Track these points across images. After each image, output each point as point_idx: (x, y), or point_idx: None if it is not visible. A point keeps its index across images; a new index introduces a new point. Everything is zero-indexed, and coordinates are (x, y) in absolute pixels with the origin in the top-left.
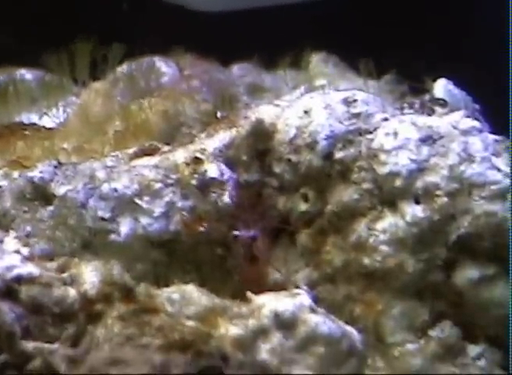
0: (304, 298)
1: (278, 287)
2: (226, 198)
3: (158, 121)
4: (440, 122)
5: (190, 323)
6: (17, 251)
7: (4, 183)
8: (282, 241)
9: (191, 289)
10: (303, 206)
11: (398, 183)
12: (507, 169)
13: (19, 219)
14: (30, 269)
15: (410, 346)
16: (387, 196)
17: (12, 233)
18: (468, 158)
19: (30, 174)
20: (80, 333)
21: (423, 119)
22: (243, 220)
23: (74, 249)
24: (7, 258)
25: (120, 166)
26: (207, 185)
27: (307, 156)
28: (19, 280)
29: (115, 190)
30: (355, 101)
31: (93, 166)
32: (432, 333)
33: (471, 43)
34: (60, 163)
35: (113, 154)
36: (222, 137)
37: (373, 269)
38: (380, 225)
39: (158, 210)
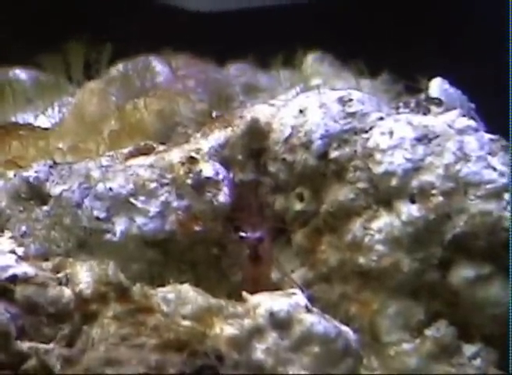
0: (299, 297)
1: (274, 287)
2: (221, 198)
3: (154, 121)
4: (436, 121)
5: (186, 322)
6: (12, 251)
7: None
8: (277, 240)
9: (186, 289)
10: (298, 206)
11: (393, 182)
12: (503, 169)
13: (15, 218)
14: (25, 269)
15: (405, 345)
16: (382, 195)
17: (8, 233)
18: (464, 157)
19: (26, 174)
20: (75, 333)
21: (418, 119)
22: (248, 221)
23: (69, 249)
24: (2, 258)
25: (115, 166)
26: (202, 185)
27: (302, 156)
28: (14, 280)
29: (111, 189)
30: (350, 100)
31: (88, 166)
32: (428, 332)
33: (466, 42)
34: (55, 163)
35: (108, 153)
36: (217, 137)
37: (368, 268)
38: (375, 224)
39: (153, 210)
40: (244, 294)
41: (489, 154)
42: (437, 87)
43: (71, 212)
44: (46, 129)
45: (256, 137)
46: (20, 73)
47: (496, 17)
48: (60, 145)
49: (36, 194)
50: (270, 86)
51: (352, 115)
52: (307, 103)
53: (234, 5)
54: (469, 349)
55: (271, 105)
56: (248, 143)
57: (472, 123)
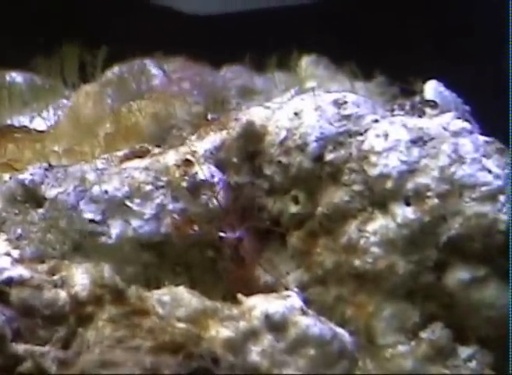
0: (294, 299)
1: (269, 289)
2: (217, 200)
3: (149, 123)
4: (430, 123)
5: (181, 325)
6: (8, 254)
7: None
8: (272, 243)
9: (182, 291)
10: (293, 208)
11: (389, 184)
12: (498, 171)
13: (10, 221)
14: (21, 271)
15: (401, 348)
16: (378, 198)
17: (3, 236)
18: (459, 159)
19: (21, 177)
20: (70, 336)
21: (413, 121)
22: (229, 222)
23: (65, 252)
24: None
25: (111, 169)
26: (197, 187)
27: (297, 158)
28: (10, 282)
29: (106, 192)
30: (345, 102)
31: (83, 169)
32: (423, 334)
33: (462, 45)
34: (51, 166)
35: (104, 156)
36: (212, 140)
37: (364, 270)
38: (371, 227)
39: (148, 212)
40: (239, 296)
41: (484, 156)
42: (432, 89)
43: (66, 214)
44: (41, 132)
45: (251, 139)
46: (16, 77)
47: (492, 20)
48: (55, 148)
49: (31, 196)
50: (265, 88)
51: (347, 117)
52: (303, 106)
53: (230, 7)
54: (464, 351)
55: (266, 108)
56: (243, 145)
57: (467, 125)
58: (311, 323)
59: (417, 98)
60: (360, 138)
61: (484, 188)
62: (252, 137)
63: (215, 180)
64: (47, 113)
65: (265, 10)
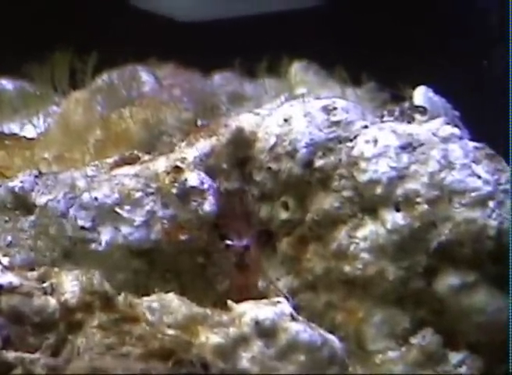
0: (284, 306)
1: (259, 296)
2: (207, 207)
3: (139, 130)
4: (420, 129)
5: (171, 331)
6: None
7: None
8: (263, 249)
9: (171, 298)
10: (283, 214)
11: (378, 190)
12: (487, 177)
13: (0, 228)
14: (11, 278)
15: (391, 353)
16: (367, 204)
17: None
18: (448, 165)
19: (11, 184)
20: (60, 343)
21: (403, 127)
22: (234, 229)
23: (55, 259)
24: None
25: (101, 176)
26: (187, 194)
27: (287, 164)
28: (0, 289)
29: (96, 199)
30: (335, 108)
31: (73, 176)
32: (414, 340)
33: (451, 50)
34: (41, 173)
35: (94, 163)
36: (202, 146)
37: (354, 276)
38: (361, 232)
39: (138, 219)
40: (229, 302)
41: (474, 162)
42: (421, 95)
43: (56, 221)
44: (32, 139)
45: (241, 146)
46: (6, 84)
47: (482, 25)
48: (45, 155)
49: (21, 204)
50: (256, 95)
51: (336, 123)
52: (292, 112)
53: (220, 14)
54: (455, 357)
55: (256, 114)
56: (233, 152)
57: (456, 131)
58: (300, 329)
59: (407, 104)
60: (349, 144)
61: (473, 194)
62: (242, 144)
63: (205, 186)
64: (37, 120)
65: (255, 16)
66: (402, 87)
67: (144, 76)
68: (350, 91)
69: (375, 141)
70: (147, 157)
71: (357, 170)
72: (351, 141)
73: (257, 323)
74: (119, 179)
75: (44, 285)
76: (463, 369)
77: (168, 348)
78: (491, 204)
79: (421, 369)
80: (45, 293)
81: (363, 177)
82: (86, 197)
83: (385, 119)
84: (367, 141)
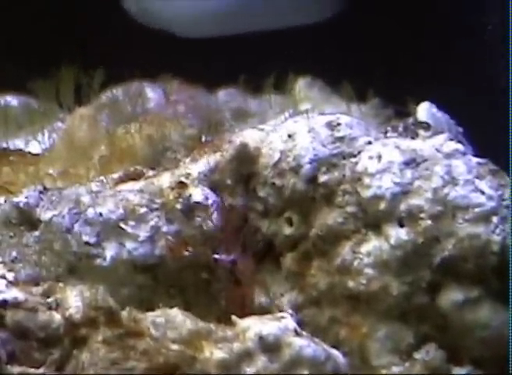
0: (288, 321)
1: (263, 311)
2: (211, 222)
3: (143, 146)
4: (424, 145)
5: (175, 346)
6: (3, 277)
7: None
8: (267, 264)
9: (176, 313)
10: (287, 230)
11: (382, 206)
12: (491, 192)
13: (5, 244)
14: (16, 294)
15: (395, 369)
16: (371, 219)
17: None
18: (452, 181)
19: (16, 200)
20: (65, 358)
21: (407, 143)
22: (224, 244)
23: (59, 274)
24: None
25: (105, 191)
26: (191, 209)
27: (291, 180)
28: (5, 305)
29: (101, 214)
30: (339, 124)
31: (78, 191)
32: (417, 355)
33: (454, 66)
34: (45, 188)
35: (98, 179)
36: (206, 162)
37: (358, 292)
38: (364, 248)
39: (143, 234)
40: (234, 317)
41: (477, 177)
42: (425, 111)
43: (61, 237)
44: (36, 155)
45: (245, 161)
46: (12, 100)
47: (484, 42)
48: (50, 171)
49: (26, 219)
50: (260, 111)
51: (340, 139)
52: (296, 128)
53: (225, 31)
54: (458, 372)
55: (260, 130)
56: (237, 168)
57: (460, 146)
58: (304, 344)
59: (411, 120)
60: (353, 160)
61: (477, 209)
62: (246, 160)
63: (209, 202)
64: (42, 136)
65: (260, 33)
66: (406, 103)
67: (149, 92)
68: (355, 107)
69: (379, 157)
70: (151, 173)
71: (360, 186)
72: (355, 156)
73: (261, 338)
74: (123, 194)
75: (49, 300)
76: None
77: (172, 362)
78: (494, 219)
79: None
80: (50, 308)
81: (367, 193)
82: (90, 212)
83: (389, 134)
84: (371, 157)
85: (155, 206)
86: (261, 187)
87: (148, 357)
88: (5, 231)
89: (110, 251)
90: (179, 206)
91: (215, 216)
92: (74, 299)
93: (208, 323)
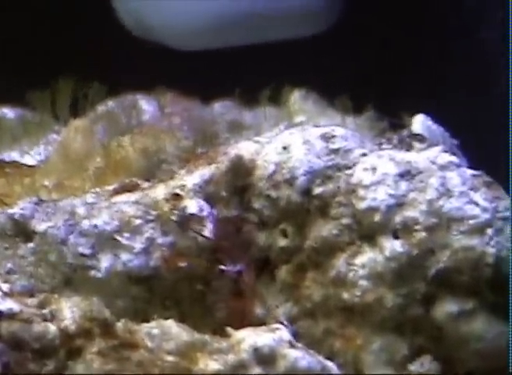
0: (283, 332)
1: (258, 323)
2: (206, 234)
3: (138, 158)
4: (418, 157)
5: (170, 358)
6: None
7: None
8: (262, 276)
9: (171, 324)
10: (282, 242)
11: (377, 218)
12: (485, 204)
13: (0, 255)
14: (11, 305)
15: None
16: (366, 231)
17: None
18: (446, 192)
19: (11, 211)
20: (60, 369)
21: (401, 155)
22: (229, 255)
23: (55, 285)
24: None
25: (100, 203)
26: (186, 221)
27: (286, 192)
28: (0, 316)
29: (96, 226)
30: (334, 136)
31: (73, 203)
32: (412, 367)
33: (449, 79)
34: (41, 200)
35: (93, 190)
36: (201, 174)
37: (352, 303)
38: (359, 260)
39: (138, 246)
40: (228, 329)
41: (472, 189)
42: (420, 123)
43: (56, 248)
44: (32, 166)
45: (240, 173)
46: (8, 112)
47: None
48: (46, 183)
49: (21, 231)
50: (255, 123)
51: (335, 151)
52: (291, 140)
53: (220, 43)
54: None
55: (255, 142)
56: (232, 179)
57: (454, 159)
58: (299, 356)
59: (405, 132)
60: (348, 172)
61: (471, 221)
62: (241, 171)
63: (204, 213)
64: (37, 148)
65: (255, 45)
66: (400, 116)
67: (144, 104)
68: (349, 120)
69: (374, 169)
70: (146, 184)
71: (355, 198)
72: (350, 168)
73: (255, 350)
74: (118, 206)
75: (44, 311)
76: None
77: (167, 374)
78: (489, 231)
79: None
80: (45, 319)
81: (361, 205)
82: (86, 224)
83: (383, 147)
84: (365, 169)
85: (150, 218)
86: (255, 199)
87: (143, 368)
88: (0, 243)
89: (105, 262)
90: (174, 218)
91: (210, 227)
92: (69, 310)
93: (203, 334)
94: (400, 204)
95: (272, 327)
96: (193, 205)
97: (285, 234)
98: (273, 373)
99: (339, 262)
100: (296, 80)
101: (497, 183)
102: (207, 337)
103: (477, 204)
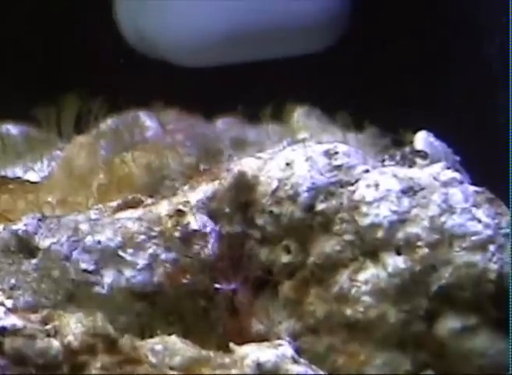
0: (286, 348)
1: (261, 338)
2: (209, 250)
3: (142, 174)
4: (421, 173)
5: (174, 373)
6: (1, 304)
7: None
8: (265, 292)
9: (174, 340)
10: (285, 258)
11: (379, 234)
12: (488, 220)
13: (4, 271)
14: (14, 321)
15: None
16: (369, 247)
17: None
18: (449, 209)
19: (15, 227)
20: None
21: (404, 171)
22: (224, 273)
23: (58, 301)
24: None
25: (104, 219)
26: (189, 237)
27: (289, 208)
28: (3, 332)
29: (99, 242)
30: (336, 153)
31: (77, 219)
32: None
33: (452, 95)
34: (44, 216)
35: (97, 207)
36: (204, 190)
37: (355, 320)
38: (362, 276)
39: (141, 262)
40: (232, 345)
41: (474, 206)
42: (422, 140)
43: (59, 264)
44: (35, 183)
45: (243, 190)
46: (12, 129)
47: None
48: (49, 199)
49: (25, 247)
50: (258, 140)
51: (338, 168)
52: (294, 156)
53: (223, 60)
54: None
55: (258, 158)
56: (235, 196)
57: (457, 175)
58: (302, 372)
59: (408, 149)
60: (351, 188)
61: (474, 238)
62: (244, 188)
63: (208, 230)
64: (41, 164)
65: (258, 62)
66: (403, 132)
67: (148, 121)
68: (352, 136)
69: (377, 185)
70: (149, 201)
71: (358, 214)
72: (353, 185)
73: (258, 365)
74: (122, 222)
75: (48, 327)
76: None
77: None
78: (491, 248)
79: None
80: (48, 335)
81: (364, 221)
82: (89, 240)
83: (386, 163)
84: (368, 185)
85: (153, 234)
86: (258, 215)
87: None
88: (4, 259)
89: (108, 278)
90: (177, 234)
91: (213, 243)
92: (72, 326)
93: (207, 350)
94: (402, 220)
95: (275, 343)
96: (196, 222)
97: (288, 250)
98: None
99: (342, 278)
100: (298, 96)
101: (499, 200)
102: (210, 352)
103: (479, 220)
